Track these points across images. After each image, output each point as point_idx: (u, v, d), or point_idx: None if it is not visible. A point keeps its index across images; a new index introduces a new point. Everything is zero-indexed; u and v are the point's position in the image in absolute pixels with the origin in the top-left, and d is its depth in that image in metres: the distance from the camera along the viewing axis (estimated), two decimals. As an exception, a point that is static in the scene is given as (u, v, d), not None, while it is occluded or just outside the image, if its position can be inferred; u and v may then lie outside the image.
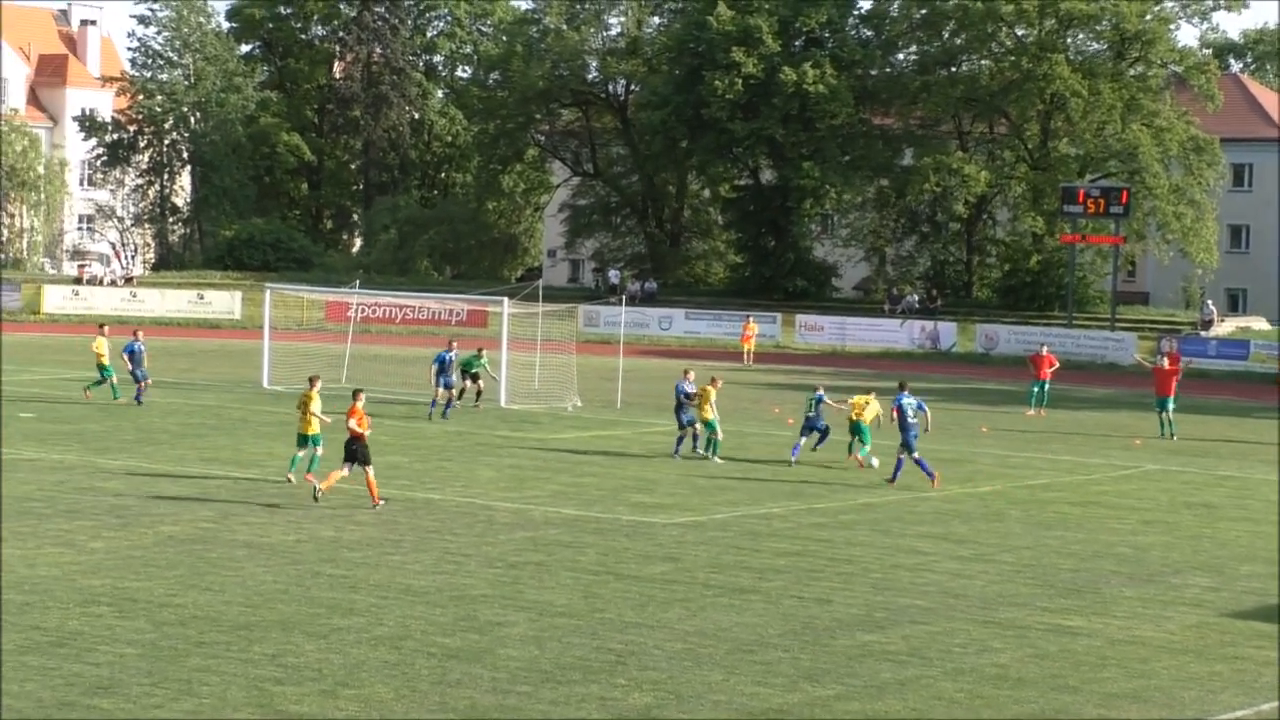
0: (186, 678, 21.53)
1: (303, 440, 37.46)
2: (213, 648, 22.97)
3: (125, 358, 52.34)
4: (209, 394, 55.90)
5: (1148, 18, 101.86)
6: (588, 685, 21.99)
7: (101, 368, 52.85)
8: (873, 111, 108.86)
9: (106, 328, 56.07)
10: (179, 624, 24.29)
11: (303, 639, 23.68)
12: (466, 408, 53.29)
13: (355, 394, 35.79)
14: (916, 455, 40.88)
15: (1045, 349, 62.68)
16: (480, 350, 55.40)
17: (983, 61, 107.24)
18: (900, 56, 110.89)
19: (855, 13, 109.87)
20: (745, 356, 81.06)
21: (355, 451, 35.07)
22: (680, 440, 45.07)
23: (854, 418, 43.13)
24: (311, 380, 38.07)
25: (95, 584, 26.64)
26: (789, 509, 36.94)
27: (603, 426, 51.22)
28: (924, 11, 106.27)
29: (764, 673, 22.89)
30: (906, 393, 41.46)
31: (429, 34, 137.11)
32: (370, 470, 35.10)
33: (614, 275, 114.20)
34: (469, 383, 54.19)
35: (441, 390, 51.51)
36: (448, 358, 51.93)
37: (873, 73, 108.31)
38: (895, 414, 41.28)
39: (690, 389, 45.22)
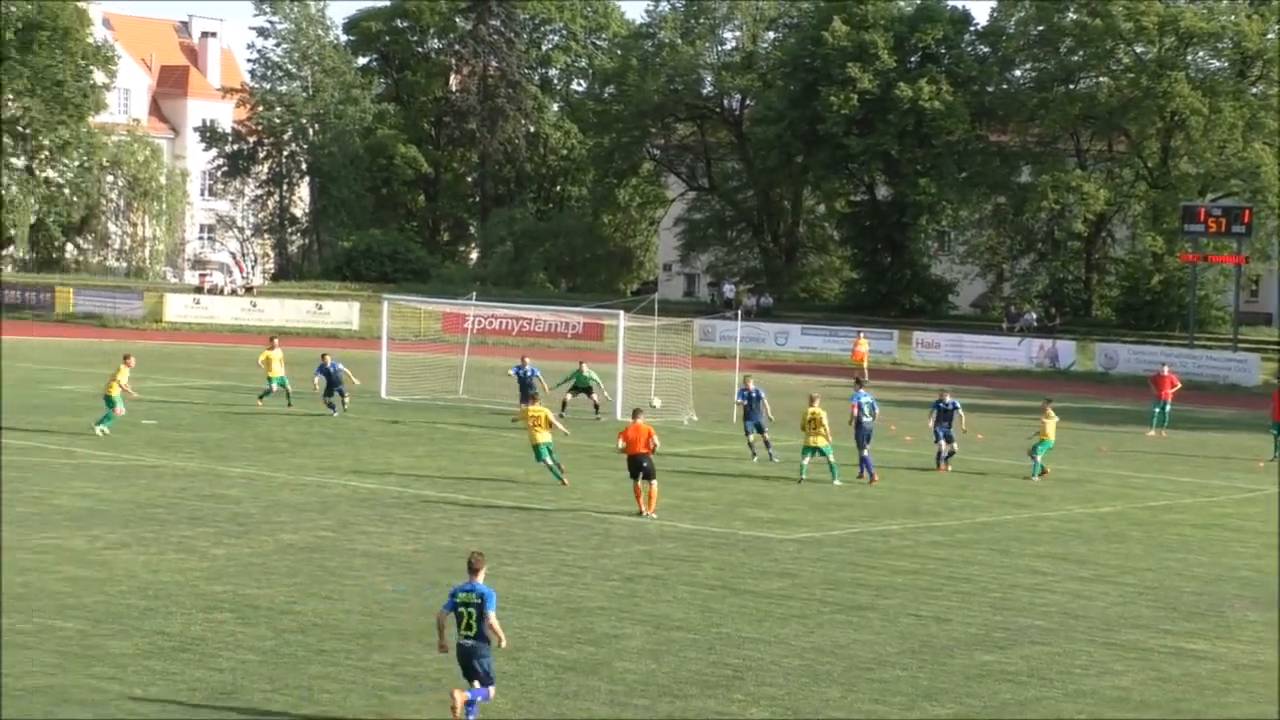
0: (307, 684, 21.68)
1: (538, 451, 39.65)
2: (332, 655, 23.12)
3: (319, 379, 52.62)
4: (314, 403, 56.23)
5: (1269, 36, 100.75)
6: (704, 700, 21.97)
7: (270, 378, 53.79)
8: (989, 128, 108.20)
9: (276, 340, 57.30)
10: (299, 631, 24.46)
11: (421, 648, 23.77)
12: (583, 420, 53.41)
13: (635, 413, 36.92)
14: (866, 453, 43.15)
15: (1167, 369, 62.03)
16: (581, 363, 55.90)
17: (1101, 79, 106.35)
18: (1017, 73, 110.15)
19: (972, 29, 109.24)
20: (859, 373, 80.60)
21: (643, 467, 35.82)
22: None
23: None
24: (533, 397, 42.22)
25: (217, 590, 26.88)
26: (906, 527, 36.75)
27: (718, 441, 51.14)
28: (1041, 28, 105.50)
29: (882, 691, 22.78)
30: (864, 391, 44.27)
31: (544, 47, 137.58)
32: (654, 484, 35.96)
33: (729, 290, 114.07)
34: (582, 396, 54.63)
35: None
36: (524, 373, 52.37)
37: (989, 89, 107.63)
38: (854, 411, 43.59)
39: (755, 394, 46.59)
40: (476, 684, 20.30)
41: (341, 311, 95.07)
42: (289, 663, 22.69)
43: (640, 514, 35.90)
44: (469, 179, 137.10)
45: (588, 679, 22.63)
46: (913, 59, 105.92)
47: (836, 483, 42.26)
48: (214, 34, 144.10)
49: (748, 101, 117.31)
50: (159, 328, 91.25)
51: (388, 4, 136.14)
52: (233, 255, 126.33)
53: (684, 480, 42.32)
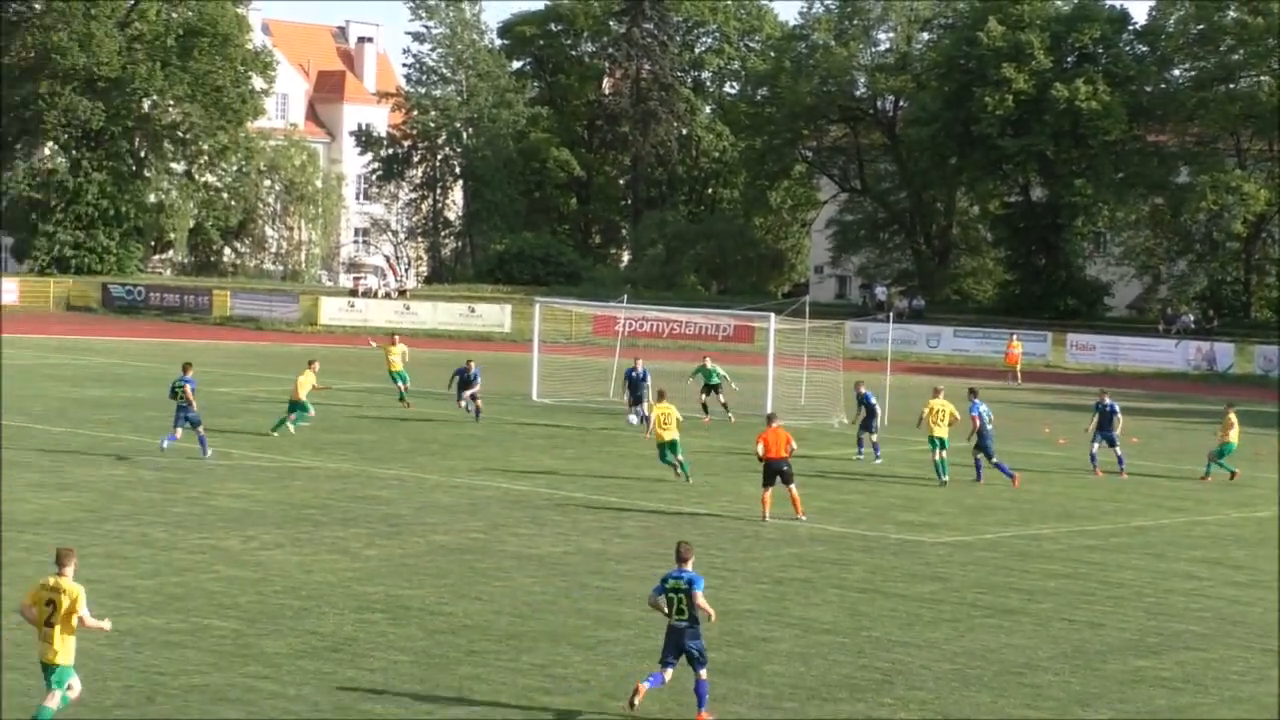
0: (457, 685, 21.81)
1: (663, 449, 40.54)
2: (483, 656, 23.25)
3: (455, 380, 52.88)
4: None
5: None
6: (854, 703, 21.88)
7: (393, 374, 54.33)
8: (1147, 128, 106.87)
9: (397, 337, 58.27)
10: (450, 632, 24.62)
11: (570, 650, 23.87)
12: (717, 420, 53.46)
13: (770, 419, 36.72)
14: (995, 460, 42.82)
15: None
16: (706, 358, 56.12)
17: (1262, 78, 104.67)
18: (1176, 72, 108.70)
19: (1130, 28, 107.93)
20: (1012, 375, 79.96)
21: (782, 472, 35.52)
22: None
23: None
24: (660, 394, 42.45)
25: (369, 591, 27.11)
26: (1059, 530, 36.41)
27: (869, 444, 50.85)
28: (1201, 27, 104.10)
29: (1033, 696, 22.58)
30: (980, 401, 43.52)
31: (697, 50, 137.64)
32: (793, 487, 35.68)
33: (880, 292, 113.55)
34: (709, 395, 54.99)
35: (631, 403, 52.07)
36: (637, 374, 52.27)
37: (1147, 89, 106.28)
38: (976, 423, 42.81)
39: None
40: (667, 672, 20.98)
41: (493, 314, 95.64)
42: (440, 663, 22.85)
43: (764, 519, 35.48)
44: (621, 182, 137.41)
45: (736, 682, 22.60)
46: (1069, 59, 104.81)
47: (945, 479, 42.14)
48: (370, 39, 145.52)
49: (901, 103, 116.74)
50: (313, 330, 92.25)
51: (542, 8, 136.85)
52: (387, 258, 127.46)
53: (834, 483, 42.20)
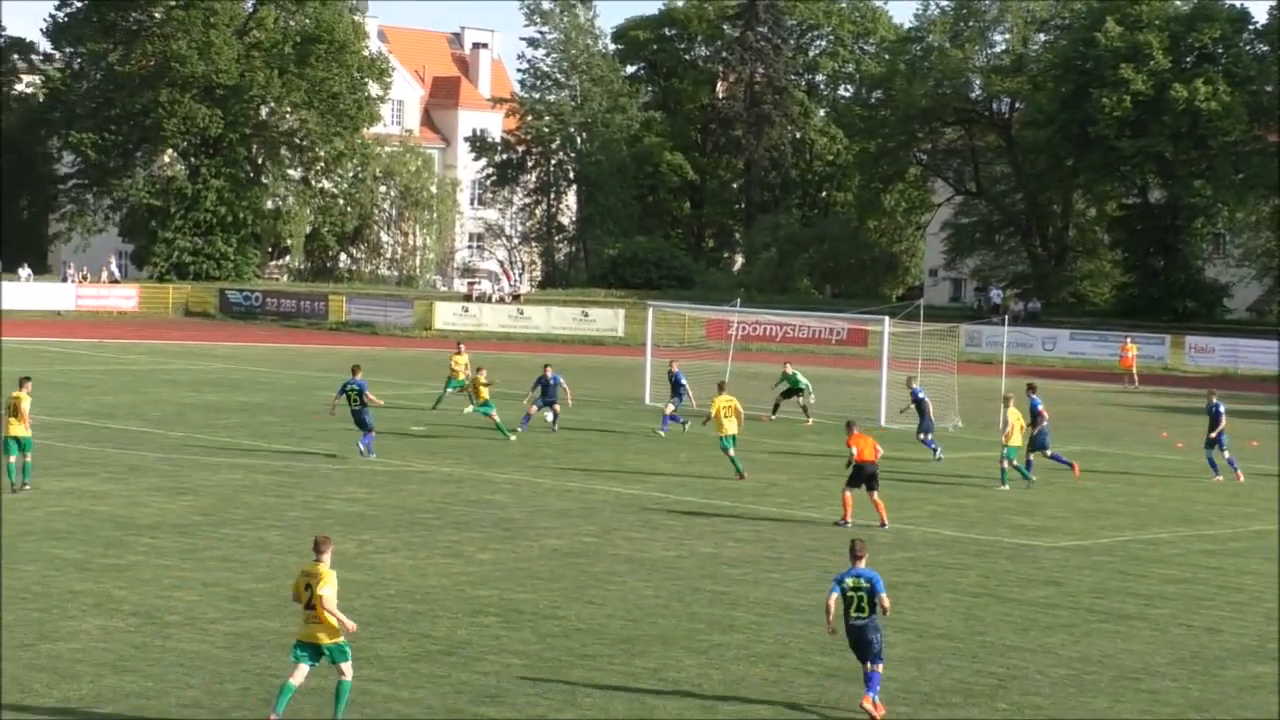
0: (570, 689, 21.84)
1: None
2: (595, 660, 23.27)
3: (537, 388, 52.39)
4: (592, 410, 56.65)
5: None
6: (968, 708, 21.74)
7: (450, 380, 54.23)
8: (1268, 129, 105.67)
9: (463, 344, 58.34)
10: (562, 636, 24.66)
11: (683, 654, 23.85)
12: (795, 420, 53.25)
13: (849, 425, 36.40)
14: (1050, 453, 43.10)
15: None
16: (786, 364, 56.19)
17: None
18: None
19: (1250, 28, 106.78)
20: (1128, 378, 79.22)
21: (869, 475, 35.21)
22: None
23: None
24: (721, 386, 43.17)
25: (483, 594, 27.20)
26: (1176, 535, 36.04)
27: (984, 448, 50.50)
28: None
29: (1151, 701, 22.36)
30: (1036, 396, 43.98)
31: (811, 53, 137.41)
32: (877, 494, 35.26)
33: (996, 294, 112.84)
34: (787, 399, 54.95)
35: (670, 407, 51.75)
36: (675, 377, 52.07)
37: (1268, 89, 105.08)
38: (1031, 415, 42.82)
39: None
40: (868, 665, 21.34)
41: (606, 318, 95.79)
42: (552, 667, 22.89)
43: (842, 522, 35.05)
44: (734, 185, 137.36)
45: (850, 686, 22.49)
46: (1188, 59, 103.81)
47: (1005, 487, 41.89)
48: (485, 45, 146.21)
49: (1017, 104, 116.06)
50: (428, 335, 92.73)
51: (656, 12, 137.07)
52: (500, 263, 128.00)
53: (948, 487, 41.97)
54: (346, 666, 19.98)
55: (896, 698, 22.03)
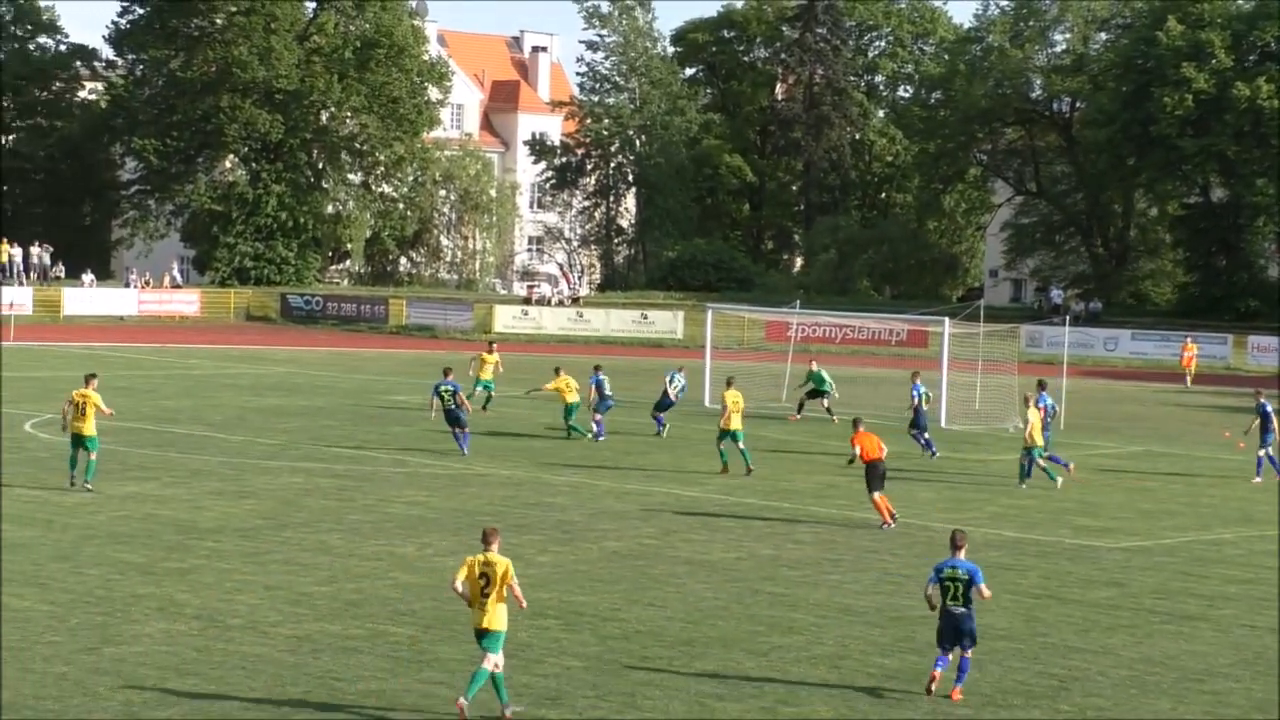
0: (630, 691, 21.87)
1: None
2: (655, 662, 23.29)
3: (593, 389, 52.20)
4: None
5: None
6: (1029, 710, 21.68)
7: (480, 381, 54.50)
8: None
9: (495, 345, 59.06)
10: (622, 638, 24.69)
11: (743, 656, 23.86)
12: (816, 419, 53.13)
13: (856, 423, 36.19)
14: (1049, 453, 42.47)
15: None
16: (813, 361, 57.17)
17: None
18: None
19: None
20: (1186, 378, 78.83)
21: (881, 474, 35.20)
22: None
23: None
24: (729, 381, 43.80)
25: (543, 597, 27.22)
26: (1240, 535, 35.85)
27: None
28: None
29: (1214, 703, 22.26)
30: (1045, 393, 44.16)
31: (870, 54, 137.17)
32: (880, 494, 35.18)
33: (1056, 295, 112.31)
34: (811, 399, 55.17)
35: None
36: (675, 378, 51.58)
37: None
38: (1043, 415, 42.56)
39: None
40: (958, 650, 22.34)
41: (666, 321, 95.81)
42: (613, 669, 22.92)
43: (885, 525, 34.90)
44: (793, 187, 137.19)
45: (910, 686, 22.48)
46: (1251, 57, 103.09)
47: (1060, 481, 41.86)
48: (545, 48, 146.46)
49: (1078, 104, 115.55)
50: (487, 339, 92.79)
51: (714, 15, 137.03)
52: (560, 266, 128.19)
53: (1007, 487, 41.81)
54: (501, 658, 20.81)
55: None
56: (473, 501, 36.88)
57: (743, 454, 42.48)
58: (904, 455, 47.35)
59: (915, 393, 47.55)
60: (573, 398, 48.44)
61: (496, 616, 20.81)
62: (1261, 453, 44.58)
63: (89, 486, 36.20)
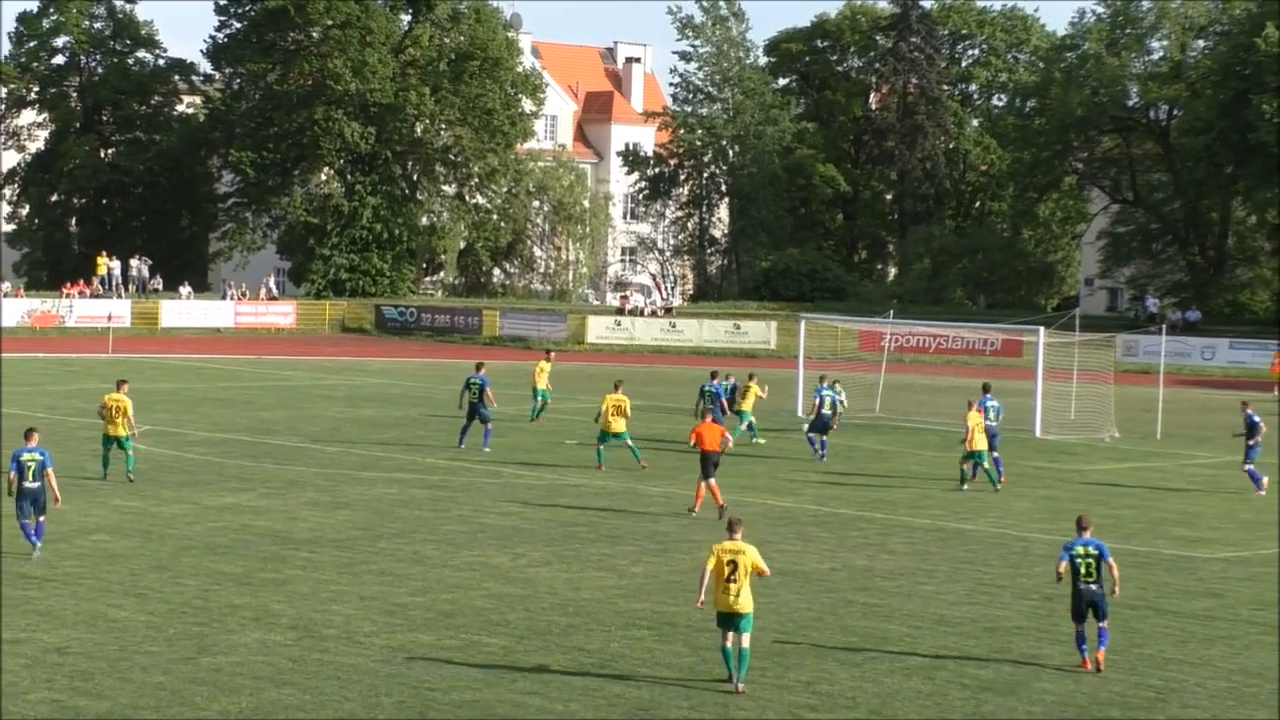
0: (723, 702, 21.86)
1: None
2: (748, 674, 23.23)
3: (723, 401, 51.98)
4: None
5: None
6: (1126, 723, 21.54)
7: (536, 390, 54.76)
8: None
9: (552, 353, 60.47)
10: (715, 649, 24.59)
11: (836, 667, 23.80)
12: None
13: (704, 414, 39.56)
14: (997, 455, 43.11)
15: None
16: (822, 377, 54.58)
17: None
18: None
19: None
20: (1277, 387, 77.94)
21: (715, 464, 37.00)
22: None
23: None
24: (617, 384, 45.41)
25: (636, 607, 27.27)
26: (1340, 546, 35.45)
27: (1141, 458, 50.06)
28: None
29: (1313, 716, 22.03)
30: (989, 395, 44.77)
31: (964, 63, 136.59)
32: (714, 481, 36.88)
33: (1152, 304, 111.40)
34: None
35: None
36: (715, 389, 50.92)
37: None
38: (980, 415, 43.14)
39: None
40: (1094, 622, 24.01)
41: (759, 331, 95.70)
42: (705, 680, 22.91)
43: (692, 512, 36.71)
44: (887, 197, 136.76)
45: (1005, 699, 22.37)
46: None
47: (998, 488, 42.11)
48: (638, 59, 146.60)
49: (1175, 112, 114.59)
50: (581, 349, 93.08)
51: (808, 24, 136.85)
52: (653, 277, 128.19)
53: (1106, 498, 41.56)
54: (747, 637, 22.53)
55: (1052, 711, 21.89)
56: (566, 512, 36.95)
57: (632, 450, 43.79)
58: (1002, 465, 47.18)
59: (818, 395, 48.00)
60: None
61: (746, 600, 22.55)
62: (1249, 467, 43.38)
63: (131, 477, 38.73)
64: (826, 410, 47.84)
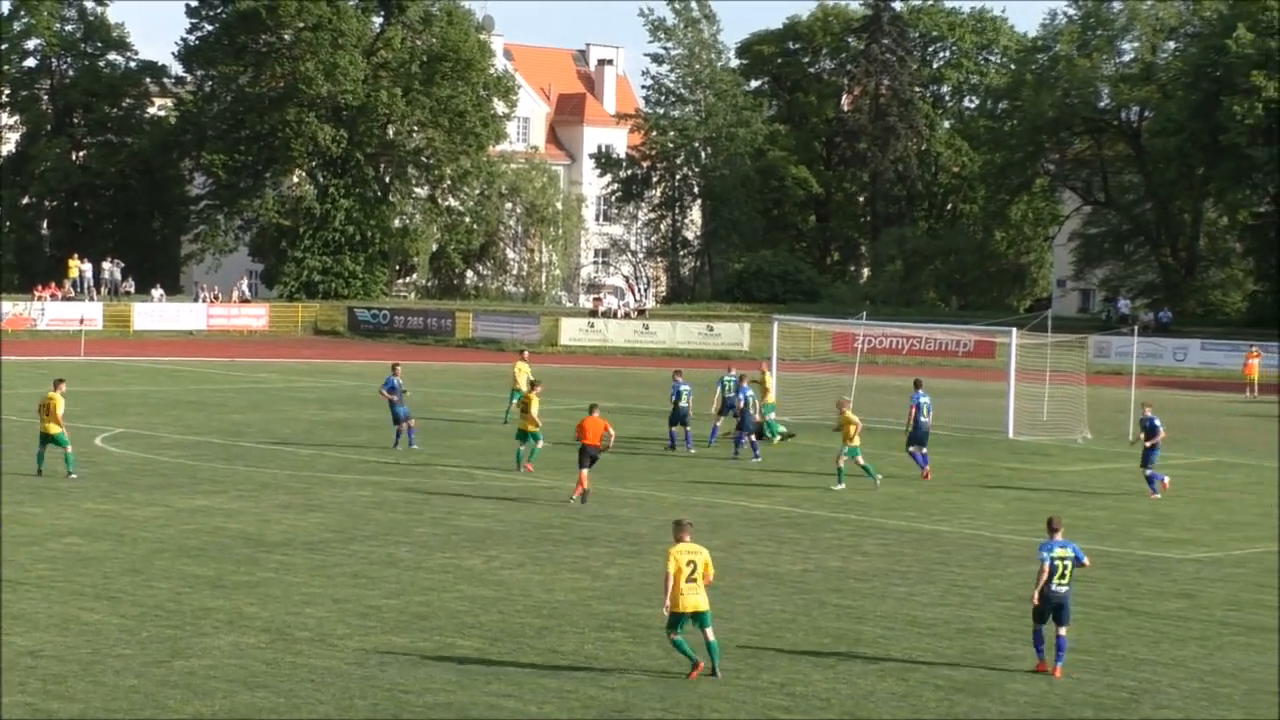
0: (697, 703, 21.84)
1: (522, 436, 43.37)
2: (723, 675, 23.23)
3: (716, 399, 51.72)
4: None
5: None
6: (1099, 723, 21.57)
7: (514, 391, 54.52)
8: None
9: (525, 352, 59.77)
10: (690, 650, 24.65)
11: (810, 668, 23.80)
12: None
13: (592, 408, 39.69)
14: (925, 450, 44.04)
15: None
16: (742, 377, 54.04)
17: None
18: None
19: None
20: (1249, 388, 78.26)
21: (594, 458, 38.69)
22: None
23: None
24: (533, 384, 45.23)
25: (610, 609, 27.25)
26: (1312, 547, 35.55)
27: (1114, 459, 50.14)
28: None
29: (1286, 716, 22.09)
30: (922, 391, 45.28)
31: (935, 65, 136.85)
32: (588, 470, 38.63)
33: (1124, 305, 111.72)
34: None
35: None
36: (681, 389, 50.12)
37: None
38: (913, 411, 44.31)
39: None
40: (1061, 628, 23.72)
41: (732, 332, 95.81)
42: (680, 681, 22.90)
43: (572, 500, 38.31)
44: (860, 198, 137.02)
45: (979, 700, 22.39)
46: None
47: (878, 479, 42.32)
48: (610, 61, 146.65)
49: (1146, 113, 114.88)
50: (554, 351, 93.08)
51: (780, 27, 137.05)
52: (626, 278, 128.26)
53: (1079, 499, 41.63)
54: (712, 630, 23.09)
55: (1026, 712, 21.91)
56: (539, 514, 36.93)
57: (531, 453, 43.46)
58: (975, 466, 47.28)
59: (743, 395, 48.37)
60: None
61: (705, 597, 23.05)
62: (1149, 470, 42.47)
63: (74, 475, 39.39)
64: (925, 418, 45.21)
